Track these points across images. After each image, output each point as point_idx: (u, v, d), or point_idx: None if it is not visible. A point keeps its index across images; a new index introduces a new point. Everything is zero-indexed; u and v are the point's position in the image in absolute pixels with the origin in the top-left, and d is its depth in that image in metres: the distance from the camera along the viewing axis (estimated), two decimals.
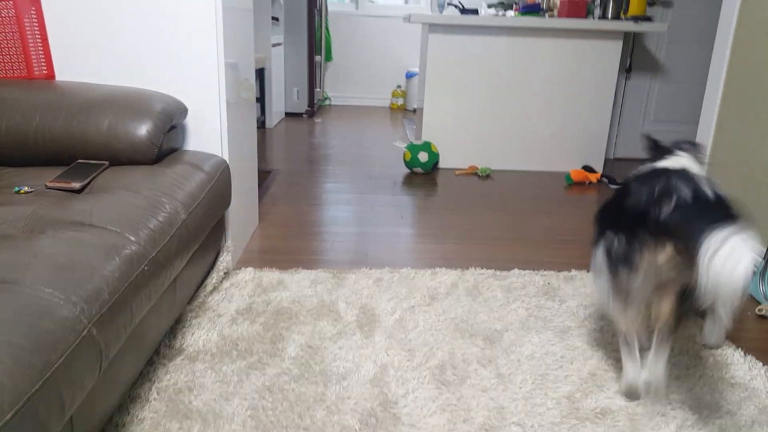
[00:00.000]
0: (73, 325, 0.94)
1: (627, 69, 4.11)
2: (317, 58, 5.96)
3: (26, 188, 1.40)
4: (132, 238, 1.23)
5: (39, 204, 1.30)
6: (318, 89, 6.16)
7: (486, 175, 3.66)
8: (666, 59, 4.13)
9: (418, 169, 3.62)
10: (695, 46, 4.11)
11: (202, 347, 1.56)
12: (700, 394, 1.45)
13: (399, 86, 6.77)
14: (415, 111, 6.56)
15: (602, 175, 3.59)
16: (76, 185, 1.43)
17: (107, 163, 1.58)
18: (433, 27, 3.60)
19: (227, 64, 1.94)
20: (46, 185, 1.44)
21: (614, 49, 3.64)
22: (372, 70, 6.82)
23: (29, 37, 1.77)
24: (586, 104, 3.76)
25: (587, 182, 3.54)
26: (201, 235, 1.62)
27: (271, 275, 2.02)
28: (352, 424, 1.30)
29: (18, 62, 1.77)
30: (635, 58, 4.11)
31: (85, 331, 0.96)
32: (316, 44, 5.88)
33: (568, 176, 3.54)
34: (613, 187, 3.47)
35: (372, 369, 1.50)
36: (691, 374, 1.53)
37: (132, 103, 1.68)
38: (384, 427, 1.29)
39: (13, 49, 1.75)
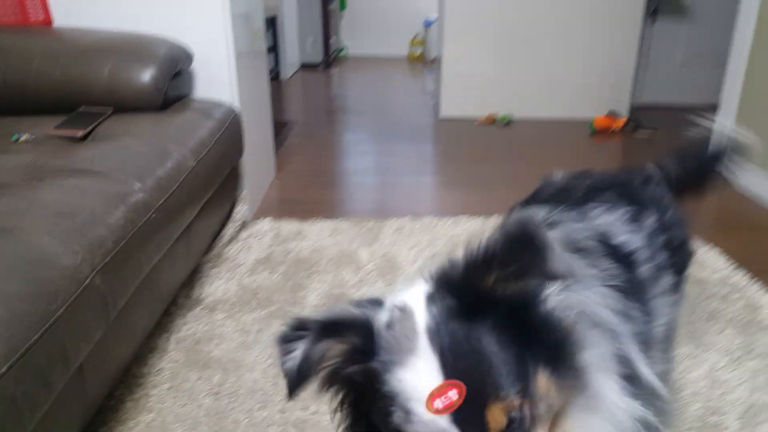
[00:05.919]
0: (74, 274, 0.88)
1: (654, 10, 3.81)
2: (331, 5, 5.75)
3: (26, 136, 1.34)
4: (138, 186, 1.17)
5: (39, 152, 1.24)
6: (334, 37, 5.97)
7: (506, 123, 3.49)
8: None
9: None
10: None
11: (221, 297, 1.52)
12: (731, 337, 1.37)
13: (417, 35, 6.53)
14: (434, 61, 6.33)
15: (628, 120, 3.39)
16: (79, 133, 1.36)
17: (111, 109, 1.51)
18: None
19: (234, 10, 1.83)
20: (47, 133, 1.37)
21: None
22: (389, 17, 6.56)
23: None
24: (609, 45, 3.52)
25: (611, 130, 3.36)
26: (213, 183, 1.55)
27: (289, 225, 1.95)
28: None
29: (13, 7, 1.68)
30: None
31: (88, 280, 0.90)
32: None
33: (591, 124, 3.36)
34: (641, 131, 3.28)
35: None
36: (720, 317, 1.44)
37: (133, 48, 1.59)
38: None
39: None
